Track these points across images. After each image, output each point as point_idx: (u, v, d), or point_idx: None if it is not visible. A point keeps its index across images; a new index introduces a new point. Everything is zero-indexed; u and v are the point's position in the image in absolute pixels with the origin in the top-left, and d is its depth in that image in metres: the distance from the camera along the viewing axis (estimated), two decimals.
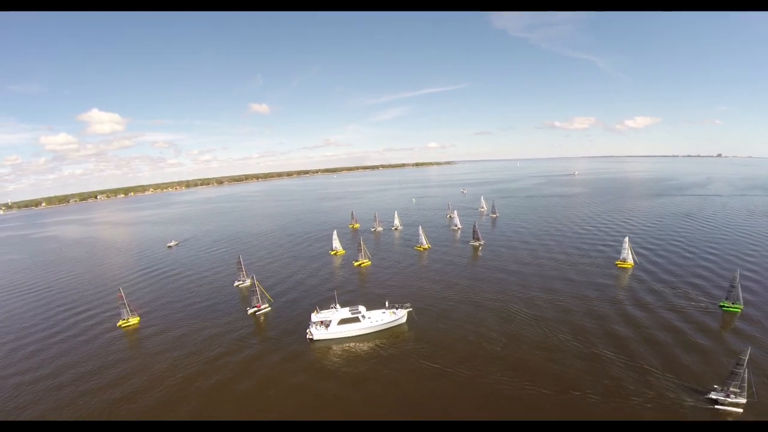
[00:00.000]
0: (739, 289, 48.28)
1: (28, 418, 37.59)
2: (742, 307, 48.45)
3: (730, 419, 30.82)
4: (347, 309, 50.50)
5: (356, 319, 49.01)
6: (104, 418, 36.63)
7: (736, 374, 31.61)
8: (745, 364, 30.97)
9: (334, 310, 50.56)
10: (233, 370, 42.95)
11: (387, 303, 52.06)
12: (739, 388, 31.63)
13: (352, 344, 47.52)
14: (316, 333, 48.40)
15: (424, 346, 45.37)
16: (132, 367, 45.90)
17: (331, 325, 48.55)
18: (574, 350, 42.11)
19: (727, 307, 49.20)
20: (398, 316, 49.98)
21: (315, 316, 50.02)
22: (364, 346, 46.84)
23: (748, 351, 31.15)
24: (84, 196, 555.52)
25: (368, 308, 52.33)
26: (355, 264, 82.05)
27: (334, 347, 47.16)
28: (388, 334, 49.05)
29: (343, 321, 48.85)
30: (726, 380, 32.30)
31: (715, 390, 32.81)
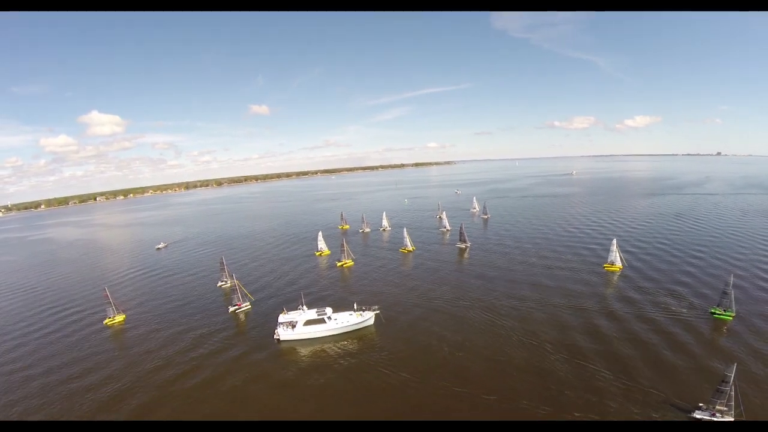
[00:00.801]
0: (732, 295, 45.80)
1: (4, 407, 39.23)
2: (734, 314, 45.75)
3: None
4: (314, 310, 50.47)
5: (322, 321, 48.95)
6: (77, 403, 39.13)
7: (721, 392, 29.19)
8: (731, 381, 28.71)
9: (301, 311, 50.51)
10: (194, 365, 45.10)
11: (355, 305, 51.79)
12: (726, 407, 29.35)
13: (316, 346, 47.56)
14: (283, 334, 48.53)
15: (385, 351, 44.74)
16: (108, 359, 48.83)
17: (297, 326, 48.60)
18: (549, 359, 40.45)
19: (718, 314, 46.46)
20: (365, 318, 49.70)
21: (282, 317, 50.25)
22: (327, 348, 46.84)
23: (734, 368, 28.98)
24: (83, 198, 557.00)
25: (341, 309, 52.24)
26: (338, 264, 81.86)
27: (299, 348, 47.38)
28: (354, 336, 48.87)
29: (309, 322, 48.80)
30: (711, 398, 29.95)
31: (699, 408, 30.61)
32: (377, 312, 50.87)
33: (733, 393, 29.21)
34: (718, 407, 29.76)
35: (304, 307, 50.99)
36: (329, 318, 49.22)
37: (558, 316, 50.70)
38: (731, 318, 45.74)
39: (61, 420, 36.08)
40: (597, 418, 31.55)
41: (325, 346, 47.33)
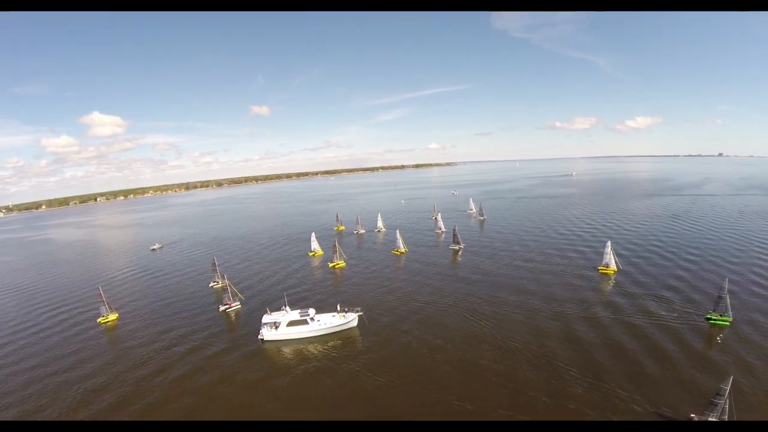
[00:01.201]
0: (728, 299, 44.17)
1: None
2: (731, 319, 44.03)
3: None
4: (297, 311, 50.50)
5: (304, 322, 48.98)
6: (58, 398, 39.95)
7: (715, 405, 27.80)
8: (726, 394, 27.29)
9: (284, 312, 50.48)
10: (177, 362, 46.01)
11: (338, 306, 51.59)
12: (719, 419, 28.06)
13: (299, 346, 47.64)
14: (267, 334, 48.76)
15: (364, 354, 44.27)
16: (94, 355, 49.81)
17: (280, 326, 48.71)
18: (533, 362, 39.48)
19: (714, 319, 44.74)
20: (348, 319, 49.52)
21: (266, 318, 50.28)
22: (309, 349, 46.92)
23: (730, 380, 27.61)
24: (84, 199, 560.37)
25: (328, 310, 52.18)
26: (330, 265, 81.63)
27: (281, 348, 47.58)
28: (337, 337, 48.72)
29: (292, 323, 48.87)
30: (704, 411, 28.56)
31: (691, 420, 29.40)
32: (360, 314, 50.64)
33: (727, 406, 27.87)
34: (711, 419, 28.40)
35: (288, 308, 50.97)
36: (312, 319, 49.23)
37: (546, 320, 49.44)
38: (728, 324, 44.21)
39: (40, 420, 36.04)
40: None
41: (307, 346, 47.43)
